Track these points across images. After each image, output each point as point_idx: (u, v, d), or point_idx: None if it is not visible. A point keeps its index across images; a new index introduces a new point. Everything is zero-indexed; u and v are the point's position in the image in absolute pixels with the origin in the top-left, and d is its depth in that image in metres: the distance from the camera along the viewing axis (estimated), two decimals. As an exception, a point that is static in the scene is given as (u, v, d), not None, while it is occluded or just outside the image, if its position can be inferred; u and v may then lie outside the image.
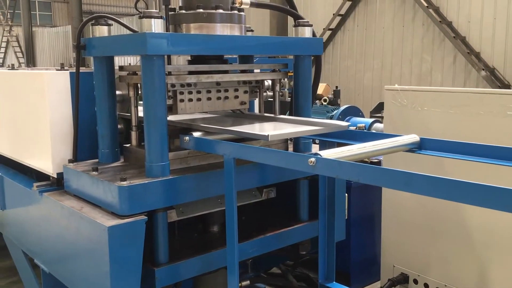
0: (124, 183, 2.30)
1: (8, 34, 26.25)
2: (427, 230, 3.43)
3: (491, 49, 10.57)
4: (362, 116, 5.60)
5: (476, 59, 10.69)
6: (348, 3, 13.06)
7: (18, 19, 24.36)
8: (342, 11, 13.19)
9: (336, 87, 7.64)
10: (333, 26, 13.44)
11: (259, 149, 2.31)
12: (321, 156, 1.96)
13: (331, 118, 5.52)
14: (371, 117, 5.84)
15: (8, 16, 26.07)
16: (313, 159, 1.94)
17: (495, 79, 10.49)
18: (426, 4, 11.25)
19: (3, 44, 26.76)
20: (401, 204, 3.55)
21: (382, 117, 5.36)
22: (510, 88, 9.99)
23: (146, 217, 2.32)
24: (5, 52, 26.96)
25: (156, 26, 2.33)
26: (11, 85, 3.25)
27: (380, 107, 5.85)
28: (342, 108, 5.61)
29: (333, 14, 13.28)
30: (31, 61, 23.45)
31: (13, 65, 4.57)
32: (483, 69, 10.51)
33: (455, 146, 2.21)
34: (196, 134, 2.55)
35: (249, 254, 2.79)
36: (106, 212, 2.38)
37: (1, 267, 4.67)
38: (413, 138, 2.32)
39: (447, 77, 11.27)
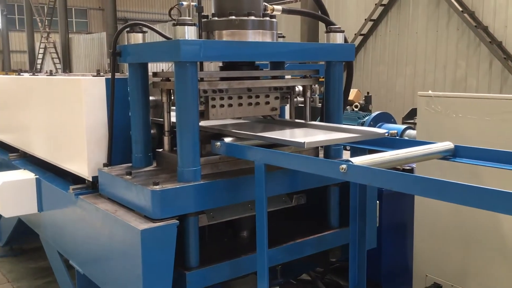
0: (157, 188, 2.34)
1: (46, 41, 27.08)
2: (462, 238, 3.35)
3: (529, 54, 10.27)
4: (394, 122, 5.52)
5: (514, 65, 10.39)
6: (380, 8, 12.91)
7: (55, 26, 25.10)
8: (374, 16, 13.05)
9: (368, 93, 7.55)
10: (364, 31, 13.31)
11: (290, 155, 2.32)
12: (353, 163, 1.94)
13: (362, 124, 5.47)
14: (403, 123, 5.75)
15: (46, 23, 26.87)
16: (344, 166, 1.93)
17: (533, 85, 10.18)
18: (461, 9, 11.01)
19: (41, 50, 27.63)
20: (434, 211, 3.48)
21: (414, 124, 5.27)
22: (549, 94, 9.66)
23: (178, 221, 2.36)
24: (43, 58, 27.83)
25: (190, 33, 2.37)
26: (49, 90, 3.36)
27: (412, 114, 5.75)
28: (373, 114, 5.54)
29: (365, 19, 13.15)
30: (67, 67, 24.08)
31: (51, 71, 4.73)
32: (521, 75, 10.22)
33: (490, 154, 2.16)
34: (228, 139, 2.57)
35: (279, 260, 2.80)
36: (139, 215, 2.42)
37: (38, 267, 4.80)
38: (448, 145, 2.28)
39: (482, 83, 10.99)
